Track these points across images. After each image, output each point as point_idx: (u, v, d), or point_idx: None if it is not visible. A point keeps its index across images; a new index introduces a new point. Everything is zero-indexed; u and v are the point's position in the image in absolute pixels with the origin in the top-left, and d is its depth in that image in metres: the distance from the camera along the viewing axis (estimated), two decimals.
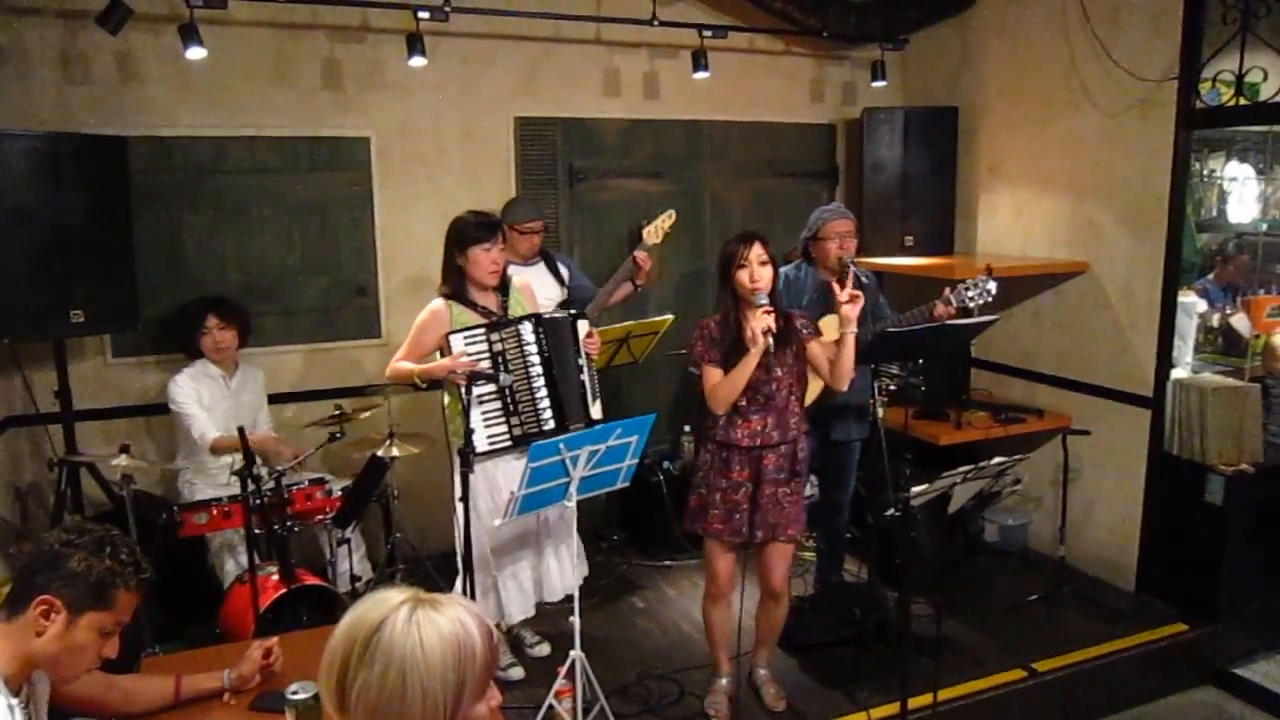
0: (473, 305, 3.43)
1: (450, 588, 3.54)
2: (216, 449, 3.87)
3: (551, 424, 3.43)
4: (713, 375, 3.18)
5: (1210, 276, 5.10)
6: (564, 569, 3.58)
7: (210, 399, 4.02)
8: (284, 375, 4.54)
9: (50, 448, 4.04)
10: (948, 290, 3.56)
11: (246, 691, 2.23)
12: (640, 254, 4.11)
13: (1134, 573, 4.41)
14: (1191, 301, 4.66)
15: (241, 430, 3.35)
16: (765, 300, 3.11)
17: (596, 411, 3.55)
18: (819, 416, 3.81)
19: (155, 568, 1.92)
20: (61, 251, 3.58)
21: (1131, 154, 4.30)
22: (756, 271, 3.12)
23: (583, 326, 3.56)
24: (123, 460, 3.38)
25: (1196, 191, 4.99)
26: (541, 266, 4.26)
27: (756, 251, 3.13)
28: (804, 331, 3.28)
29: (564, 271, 4.32)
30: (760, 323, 3.07)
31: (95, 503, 4.07)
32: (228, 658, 2.30)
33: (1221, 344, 5.03)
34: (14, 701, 1.75)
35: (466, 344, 3.32)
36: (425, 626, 1.22)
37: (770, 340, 3.08)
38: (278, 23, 4.32)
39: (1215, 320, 5.05)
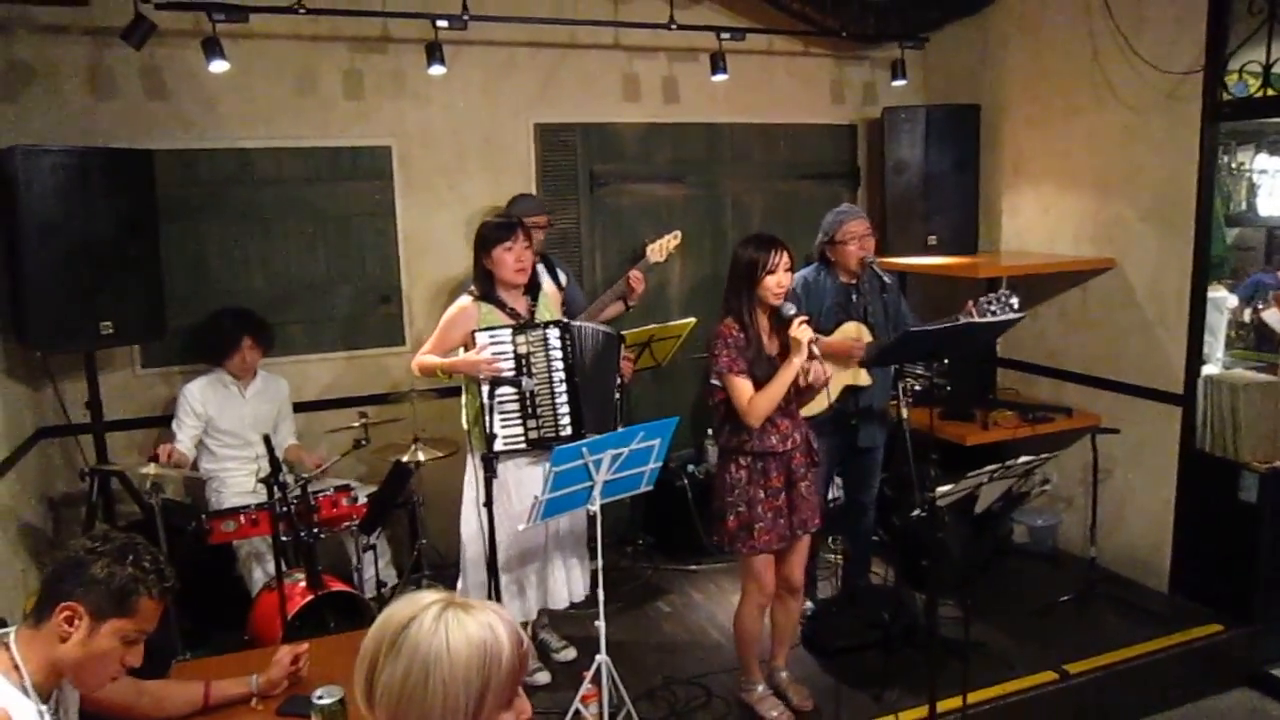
0: (501, 306, 3.46)
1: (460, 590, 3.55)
2: (160, 460, 3.59)
3: (569, 430, 3.44)
4: (744, 387, 3.12)
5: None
6: (571, 577, 3.61)
7: (221, 406, 4.07)
8: (309, 383, 4.58)
9: (81, 458, 4.09)
10: (970, 304, 3.53)
11: (274, 696, 2.25)
12: (635, 274, 4.08)
13: (1167, 573, 4.35)
14: (1222, 297, 4.59)
15: (267, 438, 3.39)
16: (793, 308, 3.11)
17: None
18: (840, 421, 3.79)
19: (184, 575, 1.94)
20: (91, 264, 3.64)
21: (1157, 148, 4.24)
22: (785, 277, 3.13)
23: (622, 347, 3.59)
24: (152, 469, 3.43)
25: (1225, 185, 4.92)
26: (540, 267, 4.26)
27: (786, 259, 3.13)
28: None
29: (561, 278, 4.29)
30: (804, 333, 3.04)
31: (126, 512, 4.12)
32: (255, 663, 2.32)
33: (1253, 340, 4.96)
34: (44, 708, 1.78)
35: (491, 342, 3.35)
36: (452, 627, 1.24)
37: (816, 349, 3.06)
38: (299, 35, 4.37)
39: (1246, 316, 4.97)
